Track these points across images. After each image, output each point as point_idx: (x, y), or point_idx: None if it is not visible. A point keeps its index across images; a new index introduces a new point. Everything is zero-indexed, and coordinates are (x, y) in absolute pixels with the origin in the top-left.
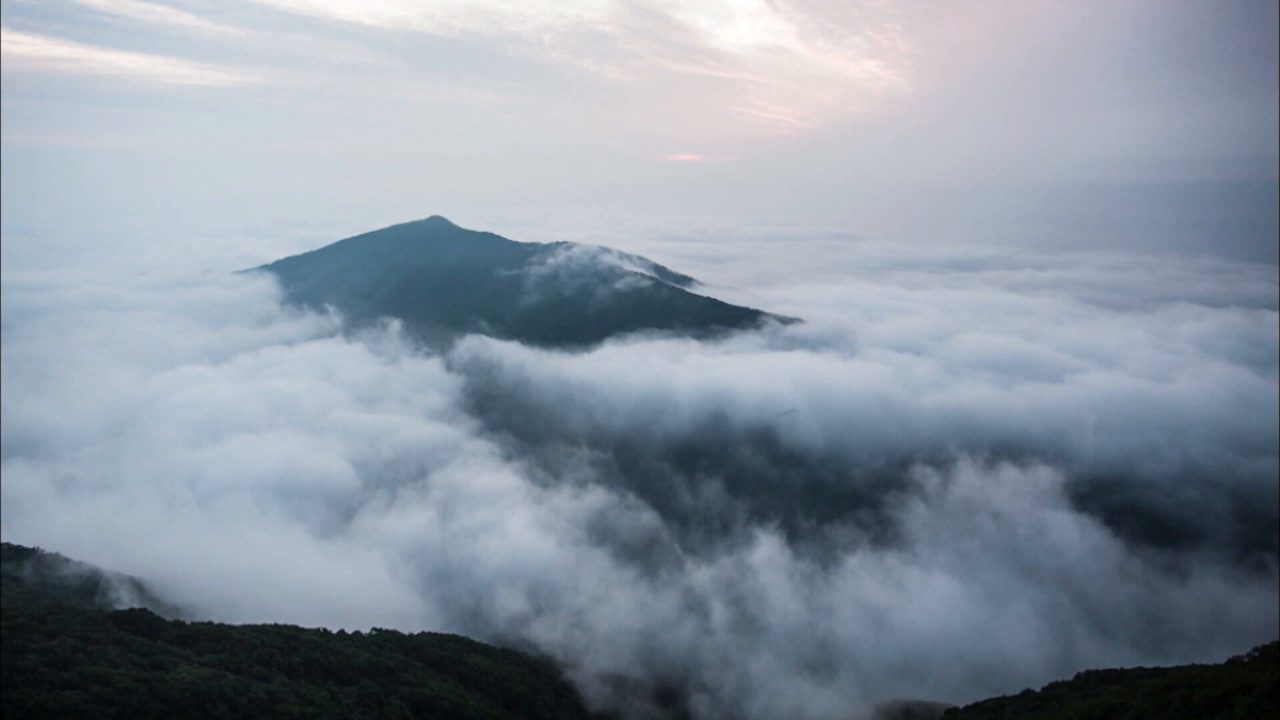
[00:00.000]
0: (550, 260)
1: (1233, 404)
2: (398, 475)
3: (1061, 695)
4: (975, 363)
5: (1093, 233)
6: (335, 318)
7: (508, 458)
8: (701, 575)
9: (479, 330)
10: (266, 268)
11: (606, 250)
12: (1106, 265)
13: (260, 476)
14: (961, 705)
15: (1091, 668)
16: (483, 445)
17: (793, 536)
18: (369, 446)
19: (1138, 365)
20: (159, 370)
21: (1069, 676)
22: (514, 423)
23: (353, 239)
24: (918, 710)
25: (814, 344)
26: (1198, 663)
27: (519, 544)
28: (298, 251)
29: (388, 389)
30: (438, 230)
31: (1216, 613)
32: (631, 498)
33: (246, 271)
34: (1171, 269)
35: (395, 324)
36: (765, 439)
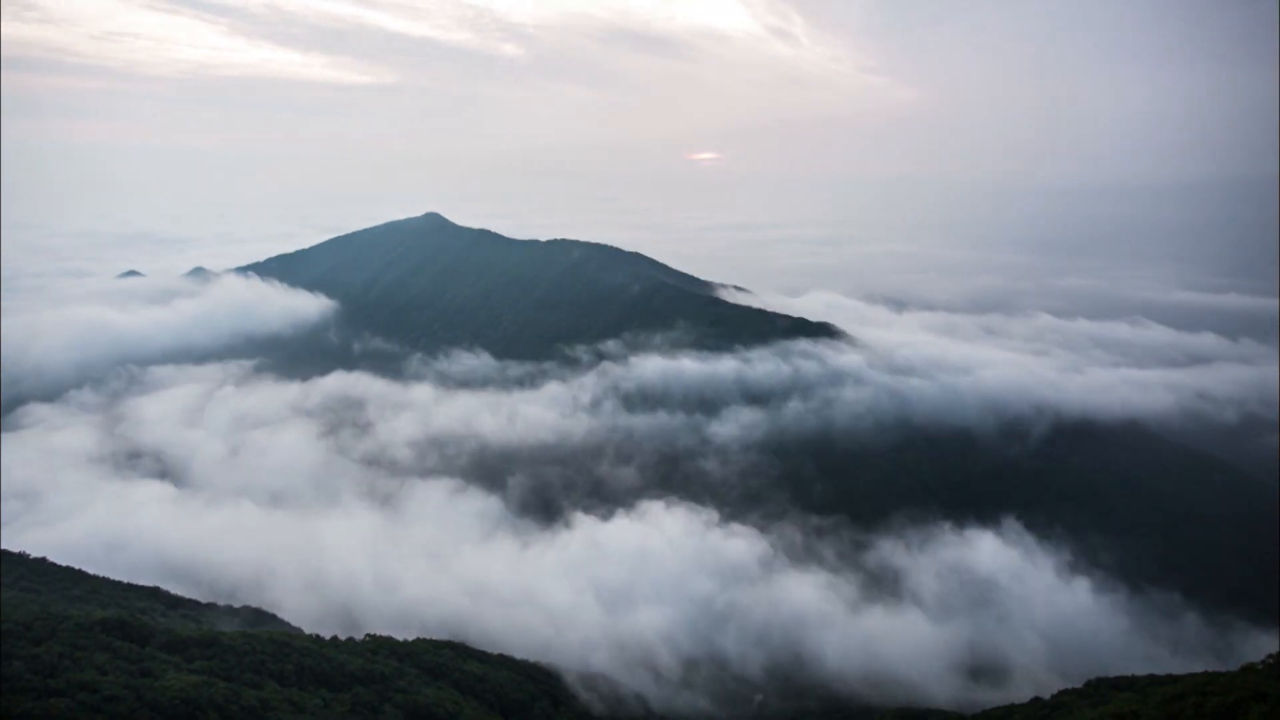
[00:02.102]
0: (550, 260)
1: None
2: None
3: (1071, 703)
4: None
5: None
6: (303, 323)
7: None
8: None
9: (459, 345)
10: (255, 266)
11: (603, 248)
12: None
13: None
14: (969, 714)
15: (1102, 675)
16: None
17: None
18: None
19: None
20: None
21: (1078, 684)
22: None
23: (344, 236)
24: (920, 716)
25: None
26: (1210, 670)
27: None
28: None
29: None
30: (432, 228)
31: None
32: None
33: (237, 269)
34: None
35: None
36: None
